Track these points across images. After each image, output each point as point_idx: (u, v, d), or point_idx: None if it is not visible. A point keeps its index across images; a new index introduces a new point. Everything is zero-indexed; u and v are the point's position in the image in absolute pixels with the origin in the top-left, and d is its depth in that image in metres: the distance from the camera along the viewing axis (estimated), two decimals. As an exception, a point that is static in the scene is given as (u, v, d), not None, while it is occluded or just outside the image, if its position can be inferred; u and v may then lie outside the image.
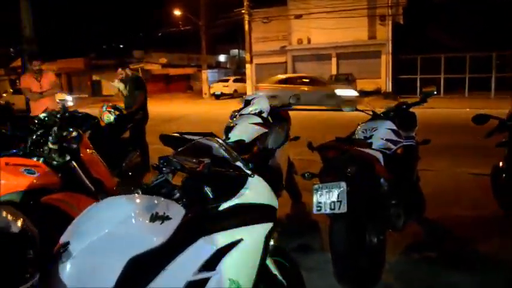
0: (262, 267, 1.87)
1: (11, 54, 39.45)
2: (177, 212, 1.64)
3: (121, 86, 6.78)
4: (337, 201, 2.74)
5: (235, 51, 45.58)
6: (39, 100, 6.39)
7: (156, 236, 1.52)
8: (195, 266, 1.57)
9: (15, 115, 7.40)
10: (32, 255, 1.27)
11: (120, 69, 6.83)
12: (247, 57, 26.75)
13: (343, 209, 2.73)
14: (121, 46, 45.17)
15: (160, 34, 35.33)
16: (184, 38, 34.94)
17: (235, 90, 28.16)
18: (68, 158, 2.61)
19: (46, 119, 5.40)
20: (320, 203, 2.81)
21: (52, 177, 2.50)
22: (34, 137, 2.64)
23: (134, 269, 1.43)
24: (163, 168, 1.86)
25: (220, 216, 1.76)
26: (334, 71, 26.50)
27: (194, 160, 1.91)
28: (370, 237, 2.94)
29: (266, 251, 1.89)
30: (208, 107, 21.88)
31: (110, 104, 6.29)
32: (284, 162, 4.50)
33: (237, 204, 1.81)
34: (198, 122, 15.01)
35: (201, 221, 1.71)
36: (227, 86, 29.10)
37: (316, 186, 2.88)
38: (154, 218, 1.55)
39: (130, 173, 6.23)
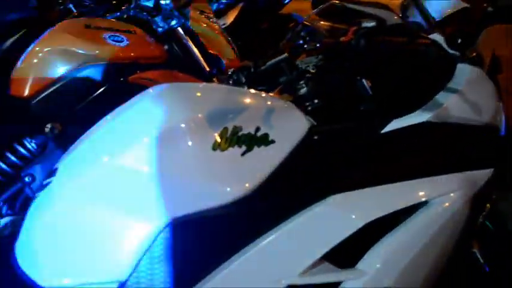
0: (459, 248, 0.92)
1: None
2: (290, 129, 0.77)
3: None
4: None
5: None
6: None
7: (230, 180, 0.70)
8: (313, 253, 0.71)
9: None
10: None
11: None
12: None
13: None
14: None
15: None
16: None
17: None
18: (174, 22, 1.87)
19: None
20: None
21: (150, 49, 1.84)
22: None
23: (176, 242, 0.67)
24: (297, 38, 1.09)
25: (385, 150, 0.83)
26: None
27: (337, 26, 1.01)
28: None
29: (473, 223, 0.92)
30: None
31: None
32: None
33: (426, 123, 0.85)
34: None
35: (339, 156, 0.79)
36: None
37: None
38: (229, 140, 0.70)
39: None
